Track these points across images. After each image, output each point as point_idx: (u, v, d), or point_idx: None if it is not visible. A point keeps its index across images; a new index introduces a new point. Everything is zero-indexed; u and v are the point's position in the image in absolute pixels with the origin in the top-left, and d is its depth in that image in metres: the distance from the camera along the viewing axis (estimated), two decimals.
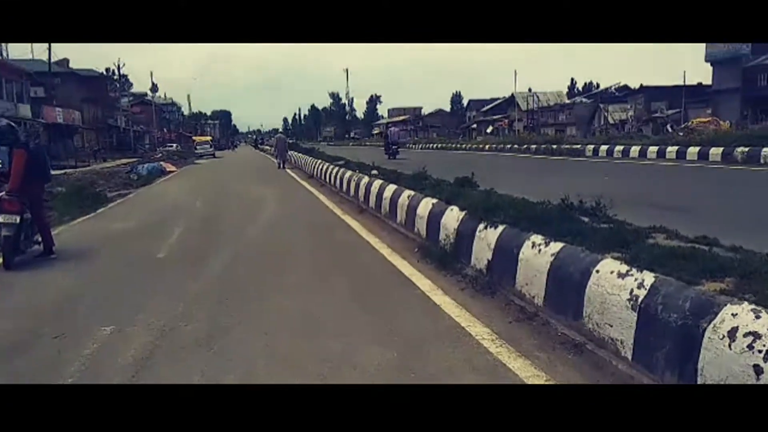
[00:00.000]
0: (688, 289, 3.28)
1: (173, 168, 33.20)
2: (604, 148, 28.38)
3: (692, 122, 44.49)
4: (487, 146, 44.96)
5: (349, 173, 15.07)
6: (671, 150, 23.65)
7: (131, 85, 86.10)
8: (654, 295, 3.42)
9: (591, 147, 29.52)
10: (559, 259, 4.62)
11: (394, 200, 10.00)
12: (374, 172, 14.12)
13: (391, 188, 10.57)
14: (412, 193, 9.31)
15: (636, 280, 3.62)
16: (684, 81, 59.36)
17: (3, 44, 49.47)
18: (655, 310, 3.34)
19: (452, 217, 7.17)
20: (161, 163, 33.45)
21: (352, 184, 13.88)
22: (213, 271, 7.30)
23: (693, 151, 22.29)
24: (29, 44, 65.83)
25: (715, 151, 21.06)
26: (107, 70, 66.78)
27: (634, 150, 26.08)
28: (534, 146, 35.70)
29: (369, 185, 12.12)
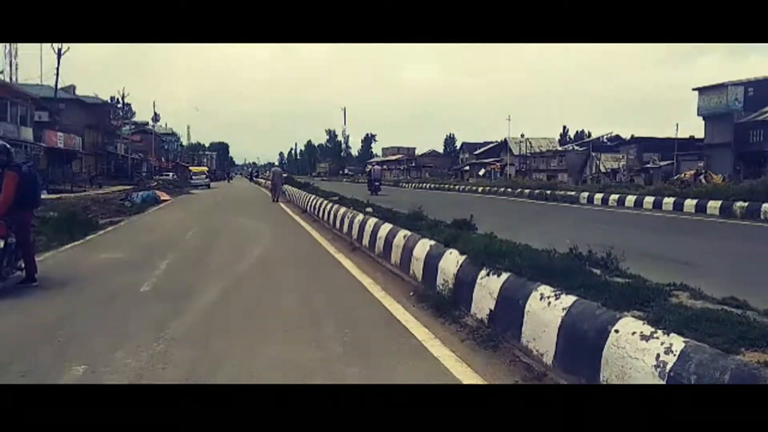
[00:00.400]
0: (725, 359, 2.93)
1: (167, 197, 32.95)
2: (599, 196, 28.24)
3: (684, 174, 44.76)
4: (480, 188, 44.90)
5: (343, 210, 14.76)
6: (668, 201, 23.47)
7: (134, 113, 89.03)
8: (685, 362, 3.07)
9: (585, 195, 29.41)
10: (571, 315, 4.27)
11: (388, 240, 9.68)
12: (369, 209, 13.82)
13: (386, 227, 10.25)
14: (408, 233, 8.99)
15: (663, 344, 3.27)
16: (676, 133, 59.99)
17: (11, 68, 50.03)
18: (688, 380, 2.99)
19: (451, 261, 6.84)
20: (155, 191, 33.16)
21: (346, 221, 13.56)
22: (197, 310, 6.90)
23: (690, 203, 22.09)
24: (39, 69, 66.48)
25: (714, 205, 20.87)
26: (112, 98, 67.24)
27: (630, 200, 25.91)
28: (527, 191, 35.60)
29: (363, 223, 11.80)
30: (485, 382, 4.47)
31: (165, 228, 17.36)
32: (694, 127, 62.84)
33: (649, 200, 24.66)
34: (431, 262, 7.44)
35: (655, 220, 20.21)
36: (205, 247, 12.77)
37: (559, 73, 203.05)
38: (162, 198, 31.31)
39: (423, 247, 7.95)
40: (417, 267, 7.95)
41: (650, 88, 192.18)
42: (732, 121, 50.75)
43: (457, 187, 51.58)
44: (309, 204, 21.22)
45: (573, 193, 30.68)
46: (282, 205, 27.66)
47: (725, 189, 22.60)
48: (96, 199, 26.66)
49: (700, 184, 28.84)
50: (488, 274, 5.79)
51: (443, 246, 7.40)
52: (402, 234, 9.13)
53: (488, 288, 5.66)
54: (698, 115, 55.80)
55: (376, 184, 38.74)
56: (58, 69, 46.05)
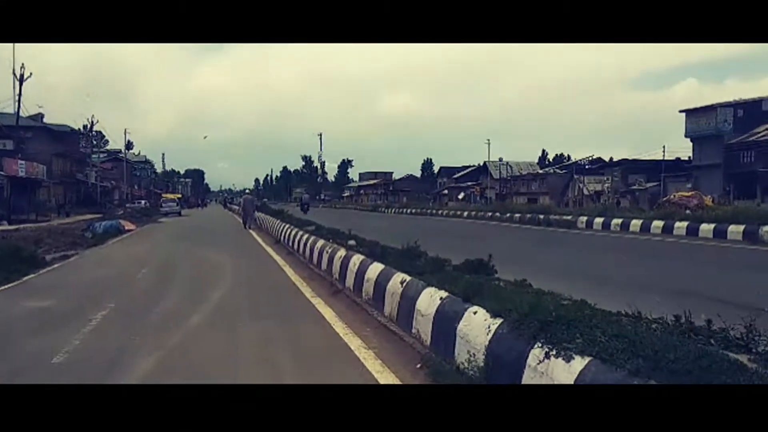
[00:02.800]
0: None
1: (132, 226, 30.81)
2: (599, 220, 26.21)
3: (674, 195, 43.26)
4: (465, 213, 42.69)
5: (321, 242, 12.65)
6: (680, 226, 21.47)
7: (107, 141, 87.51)
8: None
9: (584, 219, 27.24)
10: None
11: (380, 284, 7.63)
12: (351, 242, 11.74)
13: (376, 268, 8.19)
14: (407, 277, 6.94)
15: None
16: (663, 155, 58.94)
17: None
18: None
19: (479, 325, 4.81)
20: (120, 221, 30.98)
21: (325, 257, 11.47)
22: None
23: (707, 228, 20.15)
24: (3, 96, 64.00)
25: (735, 229, 19.01)
26: (85, 126, 65.07)
27: (635, 224, 23.86)
28: (518, 215, 33.50)
29: (346, 260, 9.73)
30: None
31: (119, 264, 15.13)
32: (676, 149, 61.91)
33: (657, 224, 22.63)
34: (445, 323, 5.41)
35: (685, 248, 17.99)
36: (155, 289, 10.59)
37: (536, 97, 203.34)
38: (127, 228, 29.38)
39: (430, 299, 5.90)
40: (423, 326, 5.90)
41: (627, 111, 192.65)
42: (721, 143, 49.90)
43: (440, 211, 49.34)
44: (283, 234, 19.05)
45: (570, 217, 28.53)
46: (254, 233, 25.58)
47: (744, 212, 20.77)
48: (56, 229, 24.20)
49: (715, 207, 26.89)
50: (548, 356, 3.75)
51: (462, 301, 5.34)
52: (398, 279, 7.08)
53: (554, 377, 3.62)
54: (686, 136, 55.00)
55: (305, 206, 51.76)
56: (19, 95, 43.18)
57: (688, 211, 34.37)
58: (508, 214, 34.74)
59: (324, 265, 11.41)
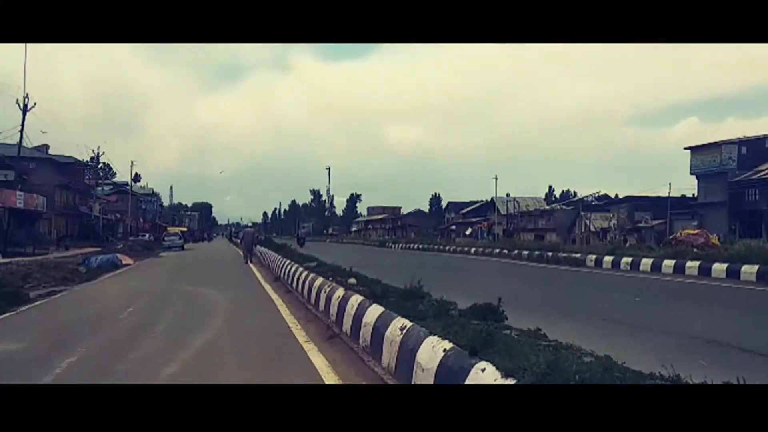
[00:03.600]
0: None
1: (129, 261, 30.12)
2: (608, 259, 25.25)
3: (680, 233, 42.47)
4: (473, 249, 41.76)
5: (319, 281, 11.97)
6: (691, 265, 20.55)
7: (114, 173, 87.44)
8: None
9: (593, 257, 26.26)
10: None
11: (379, 330, 6.93)
12: (352, 280, 11.09)
13: (374, 311, 7.50)
14: (407, 324, 6.23)
15: None
16: (669, 192, 58.17)
17: None
18: None
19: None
20: (117, 255, 30.30)
21: (323, 296, 10.77)
22: None
23: (720, 267, 19.25)
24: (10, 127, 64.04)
25: (749, 270, 18.14)
26: (92, 158, 64.67)
27: (646, 263, 22.88)
28: (525, 252, 32.56)
29: (344, 302, 9.04)
30: None
31: (105, 302, 14.40)
32: (681, 186, 61.54)
33: (668, 263, 21.70)
34: (448, 380, 4.69)
35: (701, 290, 16.90)
36: (136, 332, 9.86)
37: (541, 134, 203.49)
38: (124, 262, 28.68)
39: (432, 351, 5.19)
40: (424, 382, 5.18)
41: (631, 149, 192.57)
42: (726, 179, 49.34)
43: (447, 247, 48.37)
44: (283, 270, 18.35)
45: (578, 255, 27.54)
46: (254, 269, 24.91)
47: (757, 250, 19.92)
48: (47, 264, 23.37)
49: (721, 246, 26.07)
50: None
51: (467, 354, 4.65)
52: (398, 324, 6.37)
53: None
54: (691, 173, 54.53)
55: (302, 240, 53.38)
56: (22, 125, 42.99)
57: (695, 250, 33.61)
58: (516, 251, 33.86)
59: (321, 306, 10.73)
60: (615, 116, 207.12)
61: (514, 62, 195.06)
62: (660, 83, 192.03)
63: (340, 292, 9.64)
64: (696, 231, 43.04)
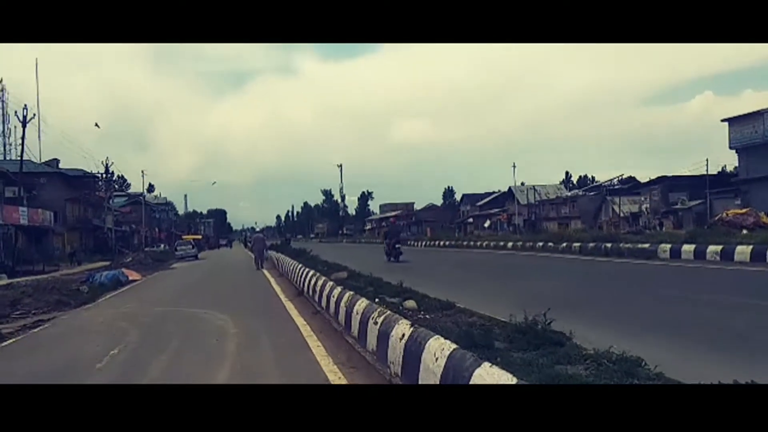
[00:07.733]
0: None
1: (137, 276, 27.49)
2: (688, 248, 20.91)
3: (726, 214, 38.82)
4: (510, 243, 38.02)
5: (362, 304, 8.73)
6: None
7: (129, 185, 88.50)
8: None
9: (667, 247, 21.83)
10: None
11: None
12: (410, 303, 7.89)
13: (491, 375, 4.28)
14: None
15: None
16: (707, 169, 54.35)
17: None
18: None
19: None
20: (123, 270, 27.71)
21: (372, 333, 7.57)
22: None
23: None
24: (12, 146, 61.79)
25: None
26: (106, 171, 62.82)
27: (742, 251, 18.64)
28: (577, 244, 28.42)
29: (413, 345, 5.83)
30: None
31: (86, 340, 11.21)
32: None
33: None
34: None
35: None
36: (130, 374, 6.77)
37: (552, 119, 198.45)
38: (131, 278, 26.07)
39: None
40: None
41: (648, 129, 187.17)
42: None
43: (479, 243, 44.33)
44: (306, 283, 15.13)
45: (647, 245, 23.20)
46: (270, 278, 22.27)
47: None
48: (46, 285, 20.08)
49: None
50: None
51: None
52: None
53: None
54: (730, 147, 50.18)
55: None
56: (23, 137, 40.06)
57: (744, 231, 29.98)
58: (564, 244, 30.00)
59: (371, 344, 7.54)
60: (626, 98, 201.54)
61: (522, 49, 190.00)
62: (668, 60, 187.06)
63: (403, 328, 6.42)
64: (744, 210, 39.30)
